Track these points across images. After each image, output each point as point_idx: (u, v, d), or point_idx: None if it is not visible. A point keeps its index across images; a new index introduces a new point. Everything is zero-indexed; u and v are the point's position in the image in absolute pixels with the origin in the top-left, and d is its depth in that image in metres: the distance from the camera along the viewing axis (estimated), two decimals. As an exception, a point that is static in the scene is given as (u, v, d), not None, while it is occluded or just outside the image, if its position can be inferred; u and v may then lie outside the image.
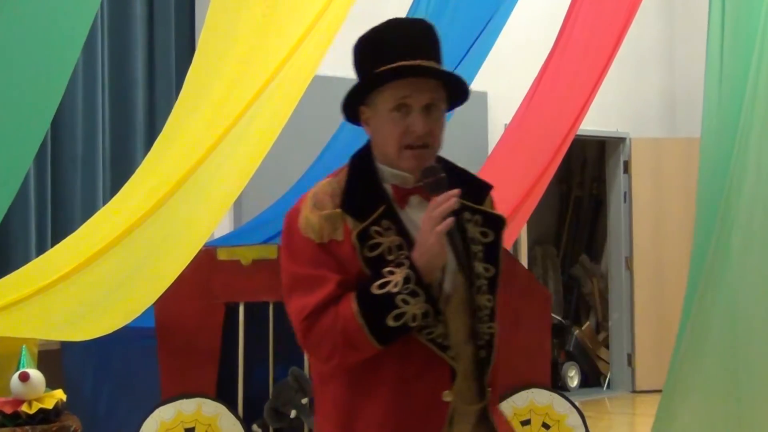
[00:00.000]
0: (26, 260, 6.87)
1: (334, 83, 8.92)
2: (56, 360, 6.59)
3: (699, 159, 6.67)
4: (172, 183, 5.74)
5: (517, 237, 9.70)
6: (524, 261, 10.84)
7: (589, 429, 6.37)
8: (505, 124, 9.16)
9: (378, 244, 2.98)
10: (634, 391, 11.75)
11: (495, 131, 10.10)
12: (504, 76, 10.09)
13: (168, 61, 8.45)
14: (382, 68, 3.02)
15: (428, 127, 3.05)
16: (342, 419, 3.04)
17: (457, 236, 2.96)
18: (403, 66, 3.01)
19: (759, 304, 6.19)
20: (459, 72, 7.34)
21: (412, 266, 2.91)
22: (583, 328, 12.50)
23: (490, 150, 9.66)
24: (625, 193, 11.90)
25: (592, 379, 12.20)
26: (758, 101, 6.33)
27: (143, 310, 5.89)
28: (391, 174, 3.10)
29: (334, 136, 7.36)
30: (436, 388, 2.97)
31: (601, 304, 12.76)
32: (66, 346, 6.53)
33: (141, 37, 8.32)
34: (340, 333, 2.93)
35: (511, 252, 8.78)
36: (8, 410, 5.43)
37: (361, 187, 3.10)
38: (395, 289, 2.89)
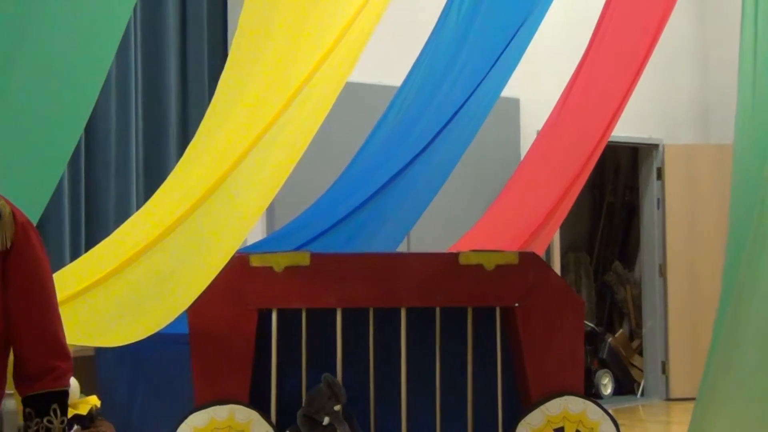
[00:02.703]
0: (60, 266, 6.89)
1: (366, 90, 8.96)
2: (90, 366, 6.62)
3: (732, 165, 6.64)
4: (205, 189, 5.76)
5: (549, 244, 9.67)
6: (557, 268, 10.81)
7: (623, 436, 6.34)
8: (538, 130, 9.15)
9: None
10: (668, 399, 11.69)
11: (527, 137, 10.08)
12: (536, 82, 10.07)
13: (201, 67, 8.49)
14: None
15: None
16: None
17: None
18: None
19: (794, 310, 6.15)
20: (490, 77, 7.38)
21: None
22: (616, 335, 12.46)
23: (522, 156, 9.64)
24: (658, 199, 11.86)
25: (625, 386, 12.15)
26: (792, 106, 6.30)
27: (176, 316, 5.91)
28: None
29: (365, 143, 7.37)
30: None
31: (634, 311, 12.72)
32: (100, 352, 6.56)
33: (174, 43, 8.36)
34: None
35: (544, 259, 8.76)
36: (42, 416, 5.45)
37: None
38: None
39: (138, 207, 7.54)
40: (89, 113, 5.60)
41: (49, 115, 5.10)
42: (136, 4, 7.59)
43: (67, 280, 5.87)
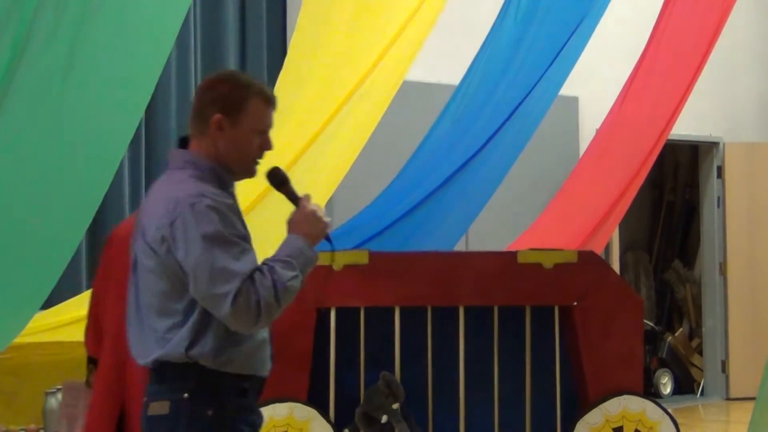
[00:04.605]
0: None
1: (423, 89, 8.96)
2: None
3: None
4: (263, 187, 5.79)
5: (608, 242, 9.63)
6: (616, 267, 10.75)
7: (682, 436, 6.30)
8: (596, 129, 9.12)
9: None
10: (728, 399, 11.59)
11: (586, 136, 10.04)
12: (595, 80, 10.03)
13: (260, 66, 8.54)
14: None
15: None
16: None
17: None
18: None
19: None
20: (548, 76, 7.37)
21: None
22: (676, 334, 12.37)
23: (581, 154, 9.61)
24: (718, 198, 11.76)
25: (685, 386, 12.06)
26: None
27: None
28: None
29: (423, 141, 7.37)
30: None
31: (694, 310, 12.62)
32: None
33: (233, 42, 8.42)
34: None
35: (603, 257, 8.73)
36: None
37: None
38: None
39: (197, 204, 7.58)
40: (146, 104, 5.67)
41: (105, 115, 5.17)
42: (195, 4, 7.67)
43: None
